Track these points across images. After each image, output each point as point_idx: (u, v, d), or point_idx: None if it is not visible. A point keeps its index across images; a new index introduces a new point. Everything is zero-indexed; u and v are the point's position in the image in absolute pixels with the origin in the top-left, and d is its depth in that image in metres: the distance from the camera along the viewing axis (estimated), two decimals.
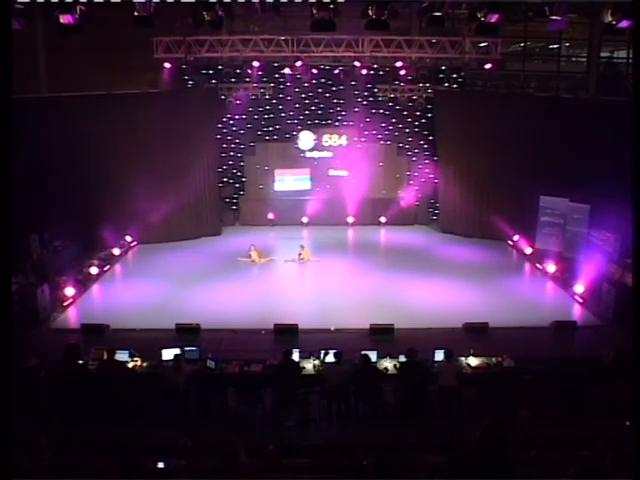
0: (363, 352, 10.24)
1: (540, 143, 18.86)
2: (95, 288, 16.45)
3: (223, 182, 23.01)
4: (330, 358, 10.36)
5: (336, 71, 21.41)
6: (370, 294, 15.69)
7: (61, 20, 10.27)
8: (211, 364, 10.24)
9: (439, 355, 10.35)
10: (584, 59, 22.01)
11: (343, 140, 22.85)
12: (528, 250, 19.05)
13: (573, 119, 18.24)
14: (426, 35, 19.67)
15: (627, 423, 6.37)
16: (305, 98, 22.56)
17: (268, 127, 22.85)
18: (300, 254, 18.59)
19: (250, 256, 18.52)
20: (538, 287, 16.93)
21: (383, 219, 22.98)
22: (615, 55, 22.47)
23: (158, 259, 18.82)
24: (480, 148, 20.48)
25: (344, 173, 23.17)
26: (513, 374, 10.27)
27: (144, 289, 16.14)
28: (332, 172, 23.15)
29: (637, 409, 4.85)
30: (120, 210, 18.80)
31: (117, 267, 18.36)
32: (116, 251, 18.72)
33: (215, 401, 10.10)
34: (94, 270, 16.88)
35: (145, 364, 10.70)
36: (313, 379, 10.24)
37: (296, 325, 13.17)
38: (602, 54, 21.63)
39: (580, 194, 17.36)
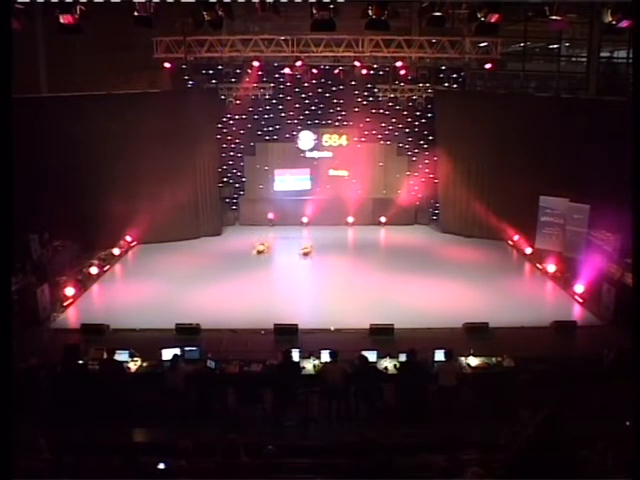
0: (361, 352, 10.26)
1: (540, 143, 18.85)
2: (95, 288, 16.45)
3: (223, 182, 23.00)
4: (325, 357, 10.35)
5: (336, 71, 21.40)
6: (370, 294, 15.67)
7: (61, 20, 10.28)
8: (211, 364, 10.24)
9: (439, 355, 10.35)
10: (584, 59, 22.00)
11: (343, 140, 22.84)
12: (528, 250, 19.05)
13: (573, 119, 18.23)
14: (426, 35, 19.66)
15: (627, 423, 6.37)
16: (305, 98, 22.54)
17: (268, 127, 22.84)
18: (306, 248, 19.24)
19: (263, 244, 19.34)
20: (538, 287, 16.93)
21: (383, 219, 22.97)
22: (615, 55, 22.44)
23: (158, 259, 18.81)
24: (480, 148, 20.47)
25: (344, 173, 23.17)
26: (513, 374, 10.28)
27: (144, 289, 16.13)
28: (332, 172, 23.14)
29: (637, 409, 4.85)
30: (120, 210, 18.78)
31: (117, 267, 18.34)
32: (116, 251, 18.70)
33: (215, 401, 10.10)
34: (94, 270, 16.87)
35: (145, 364, 10.70)
36: (313, 379, 10.25)
37: (296, 325, 13.17)
38: (602, 54, 21.61)
39: (580, 194, 17.35)
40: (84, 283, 16.14)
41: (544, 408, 4.13)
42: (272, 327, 13.16)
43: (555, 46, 22.53)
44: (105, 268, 17.65)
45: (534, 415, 4.13)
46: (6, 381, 4.54)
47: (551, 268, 17.21)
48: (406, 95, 21.93)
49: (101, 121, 18.33)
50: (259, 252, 19.35)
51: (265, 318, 13.59)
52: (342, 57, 20.33)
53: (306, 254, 19.14)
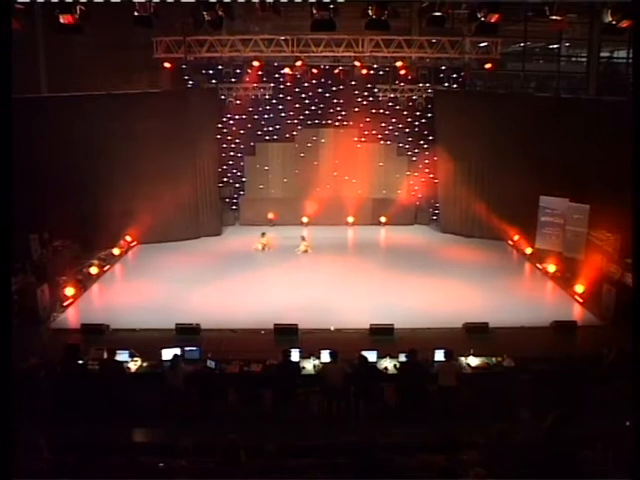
0: (361, 352, 10.26)
1: (540, 143, 18.85)
2: (95, 288, 16.44)
3: (223, 182, 23.01)
4: (325, 357, 10.35)
5: (336, 71, 21.40)
6: (370, 294, 15.67)
7: (61, 20, 10.30)
8: (211, 364, 10.24)
9: (439, 355, 10.35)
10: (584, 59, 22.01)
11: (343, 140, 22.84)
12: (528, 250, 19.05)
13: (573, 119, 18.23)
14: (426, 35, 19.68)
15: (627, 423, 6.38)
16: (305, 98, 22.55)
17: (268, 127, 22.83)
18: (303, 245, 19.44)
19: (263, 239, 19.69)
20: (538, 287, 16.93)
21: (383, 219, 22.97)
22: (615, 55, 22.45)
23: (158, 259, 18.80)
24: (480, 148, 20.47)
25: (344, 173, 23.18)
26: (513, 374, 10.29)
27: (144, 289, 16.12)
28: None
29: (637, 409, 4.86)
30: (120, 210, 18.78)
31: (117, 267, 18.34)
32: (116, 251, 18.71)
33: (215, 401, 10.10)
34: (94, 270, 16.88)
35: (145, 364, 10.70)
36: (313, 379, 10.25)
37: (296, 325, 13.17)
38: (602, 54, 21.62)
39: (580, 194, 17.35)
40: (84, 283, 16.14)
41: (551, 412, 4.13)
42: (272, 327, 13.17)
43: (555, 46, 22.54)
44: (105, 268, 17.64)
45: (542, 419, 4.14)
46: (6, 381, 4.55)
47: (551, 268, 17.22)
48: (406, 95, 21.93)
49: (101, 121, 18.32)
50: (263, 247, 19.63)
51: (265, 318, 13.59)
52: (342, 57, 20.35)
53: (305, 252, 19.31)
